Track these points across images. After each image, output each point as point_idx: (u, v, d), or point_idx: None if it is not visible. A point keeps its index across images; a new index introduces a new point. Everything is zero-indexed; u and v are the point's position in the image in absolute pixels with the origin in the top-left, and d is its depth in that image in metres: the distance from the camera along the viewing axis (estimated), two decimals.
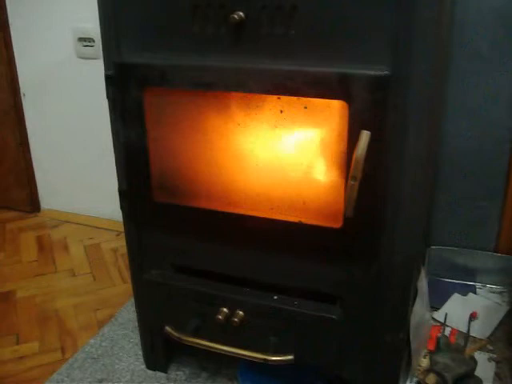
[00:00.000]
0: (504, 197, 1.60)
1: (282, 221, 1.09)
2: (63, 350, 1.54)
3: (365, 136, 0.93)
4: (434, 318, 1.54)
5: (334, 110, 1.01)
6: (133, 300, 1.44)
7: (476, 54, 1.47)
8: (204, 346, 1.19)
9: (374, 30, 0.92)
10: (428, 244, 1.66)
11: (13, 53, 2.09)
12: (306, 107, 1.03)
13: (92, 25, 1.87)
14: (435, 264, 1.66)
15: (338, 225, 1.03)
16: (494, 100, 1.50)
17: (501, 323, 1.53)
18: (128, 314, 1.64)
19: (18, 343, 1.57)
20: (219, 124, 1.13)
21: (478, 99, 1.51)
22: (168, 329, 1.22)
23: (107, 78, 1.13)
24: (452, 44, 1.45)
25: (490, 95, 1.50)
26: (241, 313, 1.17)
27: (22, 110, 2.18)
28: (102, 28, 1.13)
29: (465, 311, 1.56)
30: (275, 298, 1.17)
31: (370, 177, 0.96)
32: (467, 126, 1.54)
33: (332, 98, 0.98)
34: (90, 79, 1.96)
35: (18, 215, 2.35)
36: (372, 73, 0.93)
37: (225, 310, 1.18)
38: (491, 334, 1.48)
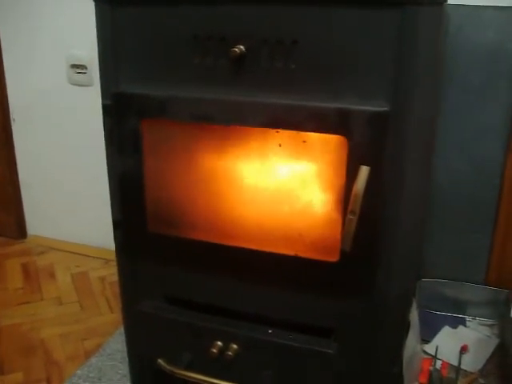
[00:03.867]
0: (493, 230, 1.62)
1: (278, 254, 1.09)
2: (49, 381, 1.51)
3: (364, 171, 0.94)
4: (424, 351, 1.53)
5: (332, 145, 1.02)
6: (121, 330, 1.42)
7: (467, 89, 1.50)
8: (197, 379, 1.17)
9: (373, 67, 0.93)
10: (418, 276, 1.66)
11: (4, 78, 2.08)
12: (304, 141, 1.04)
13: (85, 52, 1.88)
14: (426, 296, 1.66)
15: (334, 259, 1.03)
16: (484, 134, 1.52)
17: (492, 356, 1.53)
18: (116, 344, 1.62)
19: (1, 373, 1.53)
20: (217, 156, 1.13)
21: (469, 133, 1.53)
22: (160, 362, 1.20)
23: (104, 108, 1.13)
24: (444, 78, 1.47)
25: (480, 129, 1.52)
26: (235, 346, 1.16)
27: (11, 135, 2.17)
28: (100, 57, 1.13)
29: (455, 344, 1.55)
30: (270, 331, 1.16)
31: (368, 211, 0.97)
32: (458, 160, 1.56)
33: (331, 133, 0.98)
34: (81, 106, 1.95)
35: (4, 241, 2.31)
36: (371, 108, 0.94)
37: (219, 343, 1.17)
38: (482, 368, 1.48)
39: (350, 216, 0.95)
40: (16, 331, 1.72)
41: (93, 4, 1.09)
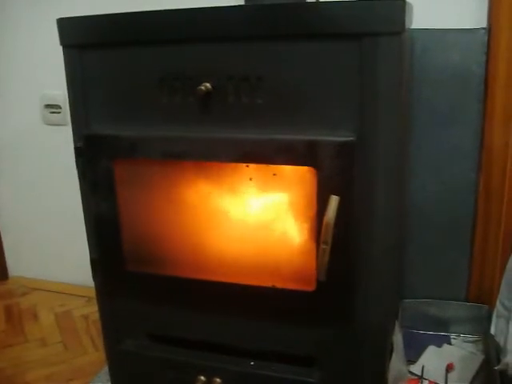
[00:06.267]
0: (471, 246, 1.63)
1: (256, 286, 1.10)
2: None
3: (334, 201, 0.95)
4: (410, 372, 1.53)
5: (302, 176, 1.04)
6: (107, 368, 1.41)
7: (436, 110, 1.52)
8: None
9: (337, 98, 0.96)
10: (400, 297, 1.67)
11: None
12: (274, 174, 1.06)
13: (59, 92, 1.88)
14: (408, 317, 1.66)
15: (311, 288, 1.04)
16: (455, 154, 1.54)
17: (477, 373, 1.53)
18: (102, 383, 1.60)
19: None
20: (190, 192, 1.14)
21: (440, 153, 1.55)
22: None
23: (76, 150, 1.14)
24: (412, 101, 1.50)
25: (451, 149, 1.54)
26: (218, 380, 1.16)
27: None
28: (70, 100, 1.15)
29: (441, 363, 1.55)
30: (252, 363, 1.16)
31: (341, 240, 0.98)
32: (431, 181, 1.57)
33: (300, 165, 1.00)
34: (56, 146, 1.95)
35: None
36: (337, 139, 0.96)
37: (202, 378, 1.17)
38: None
39: (322, 246, 0.96)
40: (0, 376, 1.69)
41: None
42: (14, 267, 2.30)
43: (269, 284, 1.09)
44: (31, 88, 1.96)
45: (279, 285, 1.08)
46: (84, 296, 2.10)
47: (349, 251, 1.00)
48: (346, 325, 1.07)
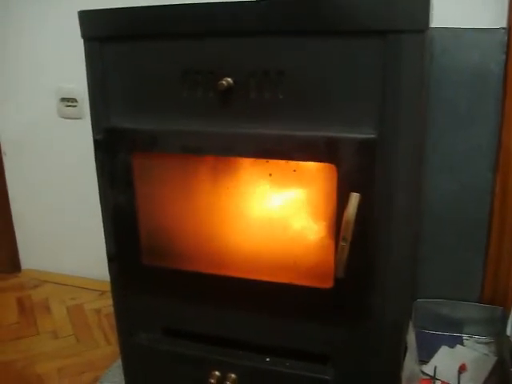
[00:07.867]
0: (486, 247, 1.62)
1: (273, 282, 1.09)
2: None
3: (354, 198, 0.95)
4: (423, 372, 1.53)
5: (322, 173, 1.03)
6: (119, 362, 1.41)
7: (454, 110, 1.51)
8: None
9: (359, 95, 0.95)
10: (414, 297, 1.66)
11: None
12: (294, 170, 1.05)
13: (75, 85, 1.89)
14: (421, 317, 1.66)
15: (328, 285, 1.04)
16: (473, 153, 1.53)
17: (490, 374, 1.52)
18: (114, 376, 1.60)
19: None
20: (209, 187, 1.14)
21: (457, 153, 1.54)
22: None
23: (95, 143, 1.14)
24: (430, 100, 1.49)
25: (469, 149, 1.53)
26: (233, 376, 1.16)
27: (2, 168, 2.17)
28: (90, 93, 1.14)
29: (454, 364, 1.55)
30: (267, 359, 1.16)
31: (360, 237, 0.98)
32: (448, 180, 1.57)
33: (320, 162, 1.00)
34: (71, 139, 1.96)
35: None
36: (359, 136, 0.95)
37: (217, 373, 1.17)
38: None
39: (341, 243, 0.96)
40: (11, 368, 1.69)
41: (80, 37, 1.11)
42: (27, 260, 2.31)
43: (286, 280, 1.09)
44: (47, 81, 1.96)
45: (296, 281, 1.08)
46: (95, 289, 2.11)
47: (367, 249, 1.00)
48: (363, 323, 1.07)
